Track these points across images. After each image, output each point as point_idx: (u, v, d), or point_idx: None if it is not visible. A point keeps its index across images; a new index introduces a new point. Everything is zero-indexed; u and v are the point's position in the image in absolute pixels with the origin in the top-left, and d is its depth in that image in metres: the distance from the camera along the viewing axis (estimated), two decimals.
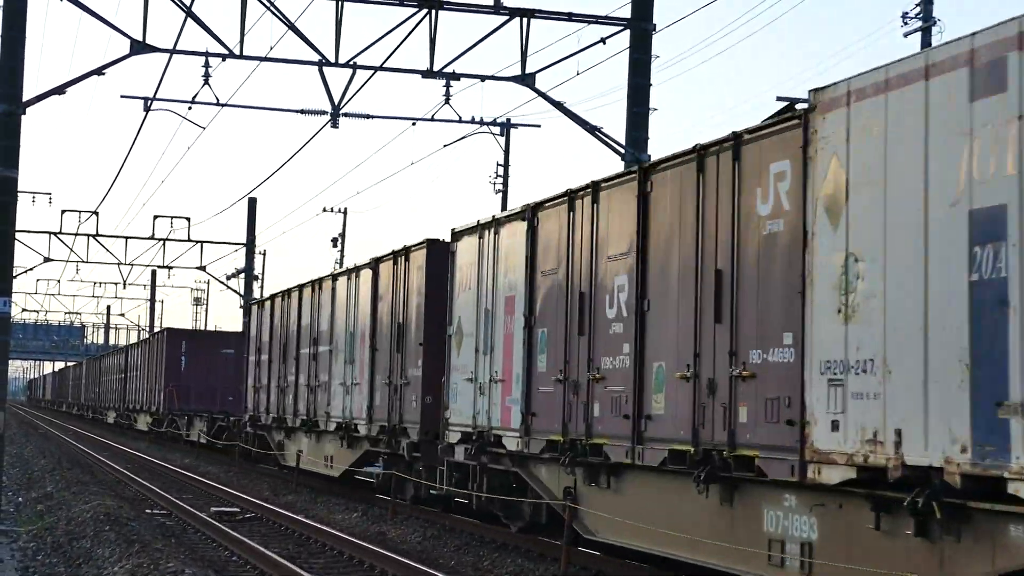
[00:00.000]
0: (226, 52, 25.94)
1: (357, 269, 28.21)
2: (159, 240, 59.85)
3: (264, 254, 78.00)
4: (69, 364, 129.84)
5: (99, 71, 24.90)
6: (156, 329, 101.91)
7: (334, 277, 30.07)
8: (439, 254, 23.66)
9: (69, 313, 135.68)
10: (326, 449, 30.95)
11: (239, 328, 60.05)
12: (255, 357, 38.85)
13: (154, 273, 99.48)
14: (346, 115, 29.07)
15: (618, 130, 26.38)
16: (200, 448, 52.69)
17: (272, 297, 37.05)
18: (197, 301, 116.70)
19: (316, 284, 31.67)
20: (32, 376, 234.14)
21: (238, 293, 66.15)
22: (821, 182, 12.31)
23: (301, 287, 33.22)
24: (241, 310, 65.53)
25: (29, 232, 60.73)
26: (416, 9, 25.86)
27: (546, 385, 18.01)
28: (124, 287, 78.52)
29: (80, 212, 57.35)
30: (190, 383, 54.40)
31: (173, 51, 25.93)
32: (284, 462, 35.51)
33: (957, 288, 10.51)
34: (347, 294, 28.88)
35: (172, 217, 59.57)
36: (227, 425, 46.96)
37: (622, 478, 16.59)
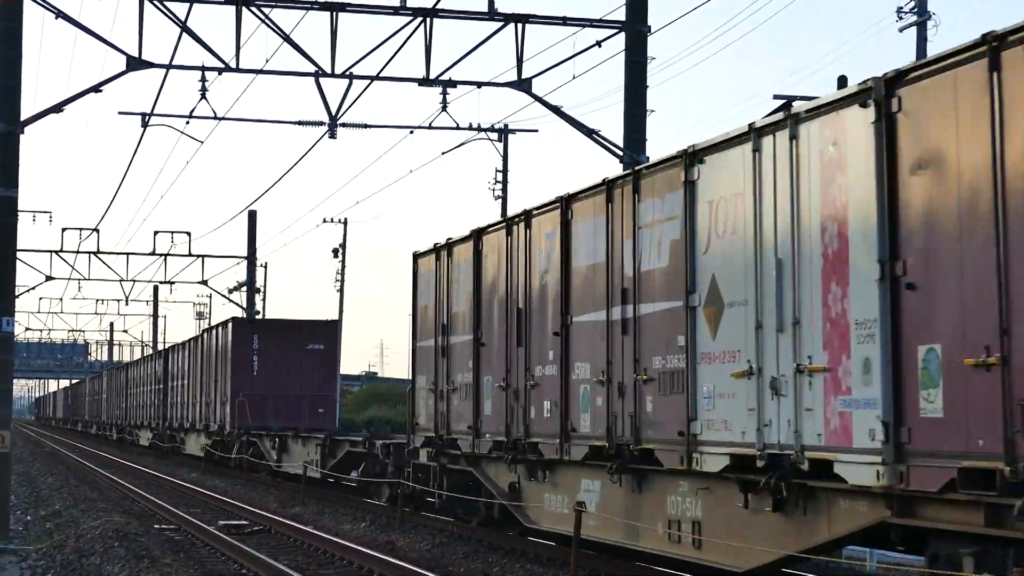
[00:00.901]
0: (222, 66, 25.98)
1: (795, 118, 13.32)
2: (160, 256, 59.90)
3: (266, 267, 78.05)
4: (76, 380, 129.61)
5: (96, 88, 24.94)
6: (159, 342, 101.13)
7: (692, 158, 15.06)
8: None
9: (72, 331, 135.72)
10: (675, 508, 15.93)
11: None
12: (436, 341, 22.92)
13: (156, 289, 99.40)
14: (344, 125, 29.10)
15: (616, 132, 26.43)
16: (283, 480, 37.90)
17: (477, 236, 21.20)
18: (200, 316, 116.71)
19: (614, 187, 16.90)
20: (37, 395, 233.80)
21: (240, 307, 66.21)
22: None
23: (567, 200, 18.08)
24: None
25: (30, 251, 60.71)
26: (411, 18, 25.91)
27: None
28: (126, 303, 78.68)
29: (81, 230, 57.42)
30: (267, 391, 42.25)
31: (169, 66, 25.97)
32: (530, 522, 19.99)
33: None
34: (754, 186, 13.94)
35: (173, 232, 59.66)
36: (372, 453, 29.12)
37: None
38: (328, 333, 43.70)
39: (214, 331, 46.39)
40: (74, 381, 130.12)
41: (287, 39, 25.89)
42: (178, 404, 53.88)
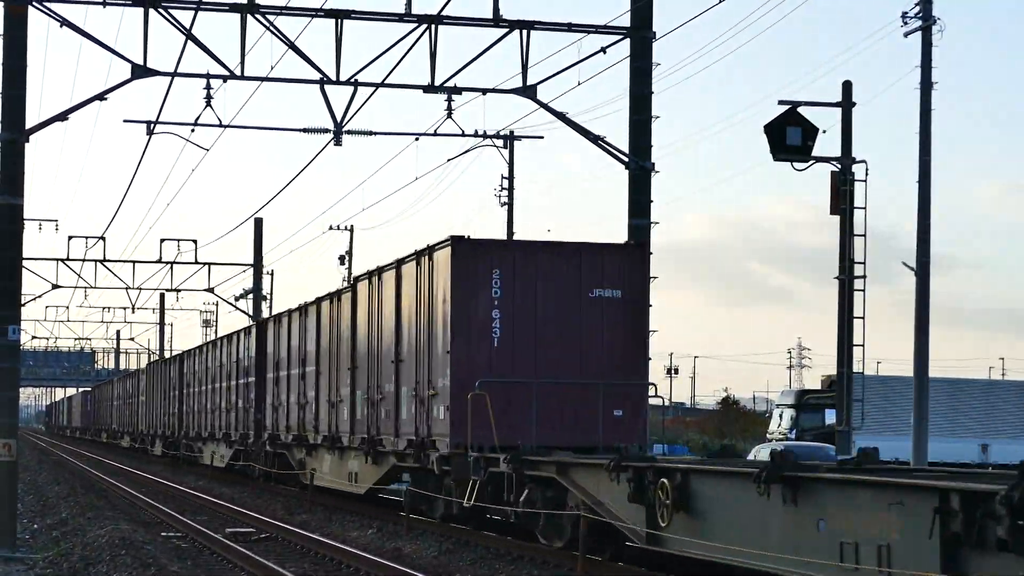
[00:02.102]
0: (227, 73, 26.00)
1: None
2: (166, 263, 59.90)
3: (272, 274, 78.05)
4: (84, 387, 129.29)
5: (101, 96, 24.98)
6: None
7: None
8: None
9: (79, 339, 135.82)
10: None
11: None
12: None
13: (162, 296, 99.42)
14: (349, 132, 29.10)
15: (622, 139, 26.42)
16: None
17: None
18: (206, 323, 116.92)
19: None
20: (46, 403, 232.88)
21: (247, 314, 66.25)
22: None
23: None
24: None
25: (37, 259, 60.77)
26: (416, 24, 25.91)
27: None
28: (133, 311, 78.61)
29: (87, 238, 57.44)
30: (522, 376, 23.01)
31: (174, 74, 25.98)
32: None
33: None
34: None
35: (179, 240, 59.63)
36: None
37: None
38: (630, 267, 23.76)
39: (402, 268, 25.54)
40: (82, 389, 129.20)
41: (292, 46, 25.89)
42: (289, 405, 35.69)
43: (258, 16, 25.57)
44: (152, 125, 30.87)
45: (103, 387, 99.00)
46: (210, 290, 62.76)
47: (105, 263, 59.04)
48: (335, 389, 30.84)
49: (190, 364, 54.87)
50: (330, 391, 31.28)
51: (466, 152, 47.12)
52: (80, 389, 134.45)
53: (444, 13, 25.79)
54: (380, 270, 27.23)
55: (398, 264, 25.97)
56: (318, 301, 32.76)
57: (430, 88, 26.53)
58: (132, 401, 74.94)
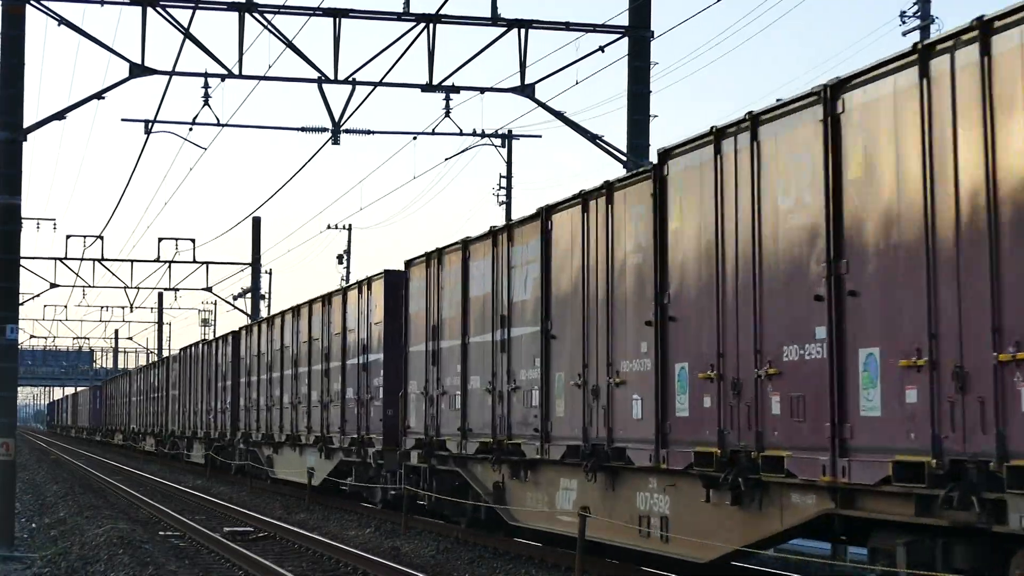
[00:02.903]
0: (225, 72, 25.99)
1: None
2: (164, 262, 59.93)
3: (270, 273, 78.07)
4: (80, 385, 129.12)
5: (99, 95, 24.98)
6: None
7: None
8: None
9: (77, 338, 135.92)
10: None
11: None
12: None
13: (161, 296, 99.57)
14: (347, 131, 29.10)
15: (619, 138, 26.42)
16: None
17: None
18: (205, 322, 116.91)
19: None
20: (46, 402, 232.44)
21: (245, 313, 66.27)
22: None
23: None
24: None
25: (34, 258, 60.85)
26: (414, 23, 25.91)
27: None
28: (131, 311, 78.57)
29: (85, 237, 57.51)
30: None
31: (172, 73, 25.98)
32: None
33: None
34: None
35: (177, 239, 59.67)
36: None
37: None
38: None
39: (810, 117, 12.95)
40: (86, 387, 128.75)
41: (290, 45, 25.89)
42: (467, 394, 21.85)
43: (256, 15, 25.57)
44: (150, 124, 30.89)
45: (117, 380, 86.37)
46: (208, 289, 62.77)
47: (103, 262, 59.09)
48: (605, 364, 16.98)
49: (250, 344, 40.98)
50: (584, 366, 17.49)
51: (464, 151, 47.16)
52: (79, 388, 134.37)
53: (442, 12, 25.79)
54: (720, 133, 14.26)
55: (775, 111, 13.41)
56: (546, 210, 18.96)
57: (428, 87, 26.54)
58: (158, 396, 61.62)
